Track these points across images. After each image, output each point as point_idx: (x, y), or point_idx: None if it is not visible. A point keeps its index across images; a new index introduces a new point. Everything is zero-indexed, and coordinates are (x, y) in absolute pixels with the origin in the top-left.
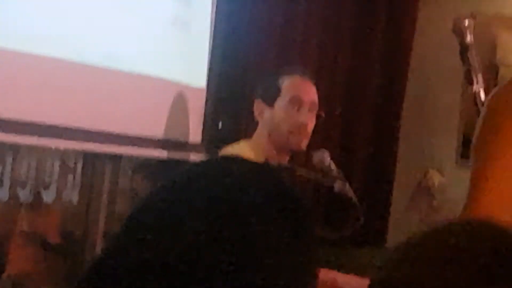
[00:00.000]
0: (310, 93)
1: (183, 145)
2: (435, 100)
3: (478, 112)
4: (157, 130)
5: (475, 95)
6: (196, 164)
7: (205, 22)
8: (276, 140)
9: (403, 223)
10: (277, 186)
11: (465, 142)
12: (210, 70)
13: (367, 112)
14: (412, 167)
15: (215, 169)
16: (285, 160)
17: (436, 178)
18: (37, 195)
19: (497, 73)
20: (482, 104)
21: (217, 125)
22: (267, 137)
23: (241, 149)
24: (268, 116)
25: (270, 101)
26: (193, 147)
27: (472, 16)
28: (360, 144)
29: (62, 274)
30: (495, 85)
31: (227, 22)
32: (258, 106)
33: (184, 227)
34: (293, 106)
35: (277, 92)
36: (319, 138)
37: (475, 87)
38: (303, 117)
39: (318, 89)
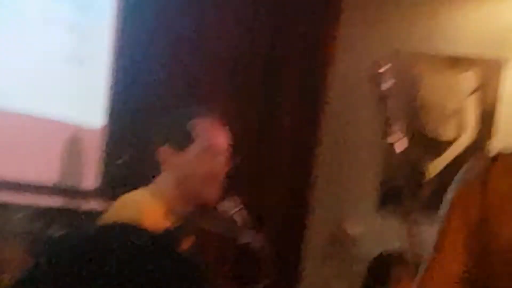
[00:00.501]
0: (224, 139)
1: (77, 192)
2: (353, 144)
3: (398, 163)
4: (49, 176)
5: (392, 147)
6: (92, 232)
7: (103, 58)
8: (185, 191)
9: (317, 277)
10: (172, 258)
11: (384, 190)
12: (108, 109)
13: (280, 157)
14: (325, 217)
15: (110, 239)
16: (189, 209)
17: (352, 228)
18: None
19: (418, 114)
20: (401, 156)
21: (116, 164)
22: (174, 186)
23: (141, 198)
24: (178, 163)
25: (180, 147)
26: (89, 194)
27: (394, 55)
28: (271, 189)
29: None
30: (418, 129)
31: (127, 57)
32: (165, 152)
33: None
34: (208, 155)
35: (188, 138)
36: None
37: (390, 138)
38: (219, 166)
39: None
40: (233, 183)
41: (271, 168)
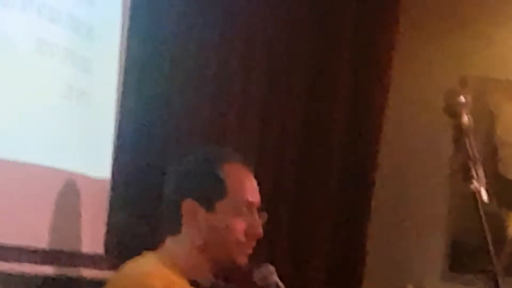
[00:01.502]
0: (257, 191)
1: (77, 257)
2: (413, 196)
3: (479, 216)
4: (41, 239)
5: (475, 195)
6: None
7: (108, 93)
8: (213, 254)
9: None
10: None
11: (455, 251)
12: (115, 157)
13: (324, 212)
14: (384, 284)
15: None
16: (210, 277)
17: None
18: None
19: (496, 155)
20: (484, 206)
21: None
22: (199, 250)
23: (150, 264)
24: (206, 223)
25: (209, 203)
26: (90, 260)
27: (462, 82)
28: (315, 256)
29: None
30: (495, 173)
31: (136, 94)
32: (190, 208)
33: None
34: (245, 213)
35: (221, 191)
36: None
37: (474, 184)
38: (257, 228)
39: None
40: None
41: (312, 225)
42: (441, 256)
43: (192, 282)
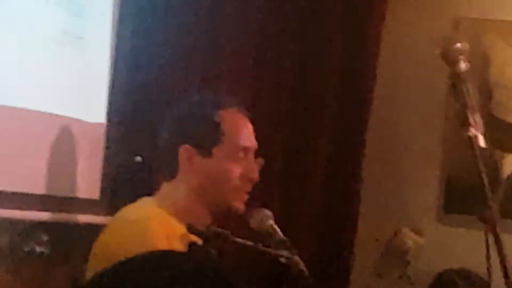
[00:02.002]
0: (253, 136)
1: (72, 202)
2: (408, 140)
3: (476, 162)
4: (36, 184)
5: (472, 141)
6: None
7: (104, 39)
8: (210, 200)
9: None
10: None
11: (449, 193)
12: (110, 101)
13: (318, 156)
14: (379, 226)
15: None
16: (207, 221)
17: (410, 239)
18: None
19: (490, 97)
20: (481, 153)
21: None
22: (195, 195)
23: (148, 212)
24: (202, 168)
25: (206, 149)
26: (87, 205)
27: (455, 24)
28: (310, 199)
29: None
30: (489, 114)
31: (133, 38)
32: (186, 154)
33: None
34: (241, 158)
35: (217, 137)
36: (257, 193)
37: (471, 131)
38: (253, 172)
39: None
40: (261, 192)
41: (307, 171)
42: (436, 198)
43: (188, 227)
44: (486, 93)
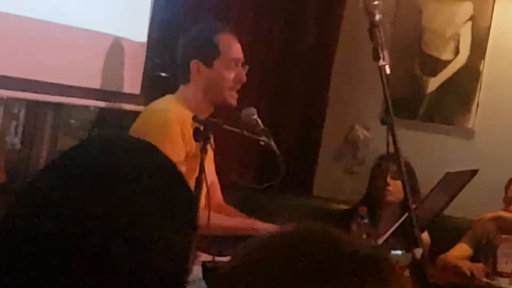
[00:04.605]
0: (241, 51)
1: (119, 95)
2: (362, 64)
3: (383, 86)
4: (95, 81)
5: (380, 69)
6: (80, 145)
7: None
8: (212, 97)
9: (329, 173)
10: (157, 164)
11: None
12: (151, 23)
13: (298, 73)
14: (339, 122)
15: (97, 149)
16: (210, 112)
17: (361, 133)
18: None
19: (421, 38)
20: (387, 78)
21: (159, 75)
22: (202, 94)
23: (167, 106)
24: (207, 76)
25: (209, 62)
26: (130, 97)
27: None
28: (291, 101)
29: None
30: (419, 50)
31: None
32: (195, 66)
33: (69, 204)
34: (233, 66)
35: (216, 53)
36: (252, 95)
37: (381, 62)
38: (241, 76)
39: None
40: (255, 94)
41: (289, 81)
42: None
43: (193, 117)
44: (418, 36)
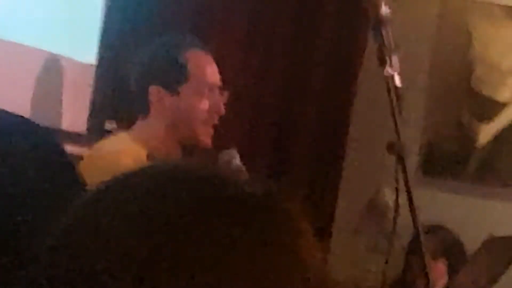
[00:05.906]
0: (218, 74)
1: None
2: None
3: (391, 103)
4: (21, 110)
5: (388, 80)
6: None
7: None
8: (179, 134)
9: (347, 254)
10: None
11: (430, 157)
12: (102, 39)
13: (308, 111)
14: (360, 185)
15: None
16: (178, 155)
17: (390, 197)
18: None
19: (470, 70)
20: (396, 93)
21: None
22: (165, 130)
23: (120, 146)
24: (171, 106)
25: (174, 88)
26: (71, 137)
27: (443, 2)
28: (298, 151)
29: None
30: (468, 88)
31: None
32: (155, 94)
33: None
34: (206, 94)
35: (183, 76)
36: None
37: (387, 69)
38: (218, 106)
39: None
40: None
41: (295, 125)
42: (416, 161)
43: (149, 156)
44: (466, 67)
